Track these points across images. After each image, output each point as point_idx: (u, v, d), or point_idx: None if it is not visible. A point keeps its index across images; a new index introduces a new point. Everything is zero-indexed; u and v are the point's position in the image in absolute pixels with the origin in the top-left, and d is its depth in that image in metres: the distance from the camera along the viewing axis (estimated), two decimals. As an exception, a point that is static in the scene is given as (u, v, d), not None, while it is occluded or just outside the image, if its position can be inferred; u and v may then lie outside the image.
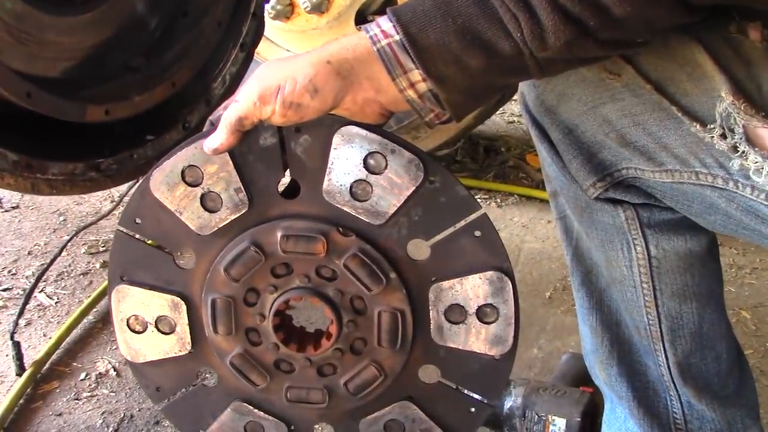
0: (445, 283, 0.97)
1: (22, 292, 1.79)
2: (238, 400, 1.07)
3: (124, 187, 1.75)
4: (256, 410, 1.08)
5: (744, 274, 1.92)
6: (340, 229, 0.95)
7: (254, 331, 1.02)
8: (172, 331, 1.05)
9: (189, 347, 1.05)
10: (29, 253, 2.00)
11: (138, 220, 1.00)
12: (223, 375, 1.06)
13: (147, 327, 1.04)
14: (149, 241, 1.02)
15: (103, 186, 1.45)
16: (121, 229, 1.01)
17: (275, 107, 0.86)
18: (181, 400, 1.09)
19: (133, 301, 1.03)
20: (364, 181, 0.93)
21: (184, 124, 1.53)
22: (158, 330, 1.04)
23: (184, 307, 1.03)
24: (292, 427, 1.09)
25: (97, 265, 1.91)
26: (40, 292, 1.80)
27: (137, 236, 1.01)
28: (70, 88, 1.32)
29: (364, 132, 0.91)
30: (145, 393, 1.11)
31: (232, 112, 0.89)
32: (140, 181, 0.99)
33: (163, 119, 1.52)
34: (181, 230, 0.99)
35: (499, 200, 2.32)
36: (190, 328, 1.04)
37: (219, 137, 0.90)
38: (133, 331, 1.05)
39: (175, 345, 1.05)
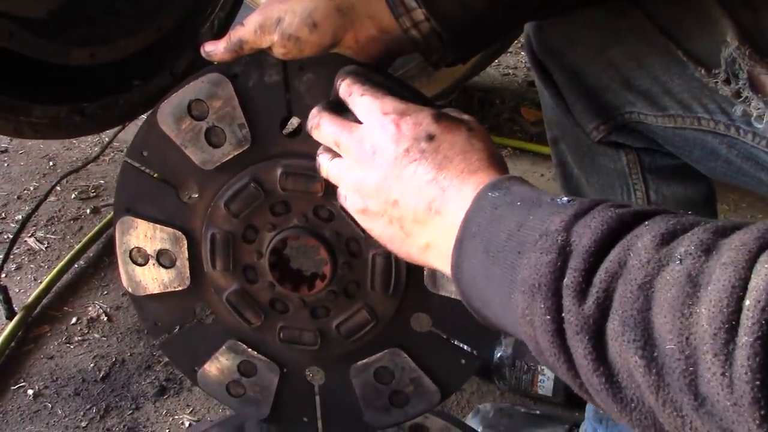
0: (440, 227, 0.96)
1: (12, 237, 1.74)
2: (233, 338, 1.09)
3: (113, 133, 1.69)
4: (249, 350, 1.09)
5: (735, 230, 1.88)
6: None
7: (251, 268, 1.04)
8: (172, 265, 1.06)
9: (188, 282, 1.06)
10: (18, 198, 1.96)
11: (145, 153, 1.02)
12: (220, 312, 1.08)
13: (149, 260, 1.07)
14: (155, 174, 1.04)
15: (88, 131, 1.40)
16: (128, 160, 1.03)
17: (274, 38, 0.88)
18: (178, 336, 1.11)
19: (137, 233, 1.05)
20: None
21: (171, 70, 1.48)
22: (159, 263, 1.06)
23: (185, 242, 1.05)
24: (285, 369, 1.09)
25: (88, 211, 1.87)
26: (30, 236, 1.77)
27: (144, 168, 1.03)
28: (54, 29, 1.28)
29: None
30: (144, 327, 1.13)
31: (236, 32, 0.92)
32: (149, 113, 1.01)
33: (149, 64, 1.47)
34: (186, 164, 1.01)
35: (492, 152, 2.30)
36: (189, 263, 1.06)
37: (217, 47, 0.94)
38: (135, 263, 1.07)
39: (175, 279, 1.07)
